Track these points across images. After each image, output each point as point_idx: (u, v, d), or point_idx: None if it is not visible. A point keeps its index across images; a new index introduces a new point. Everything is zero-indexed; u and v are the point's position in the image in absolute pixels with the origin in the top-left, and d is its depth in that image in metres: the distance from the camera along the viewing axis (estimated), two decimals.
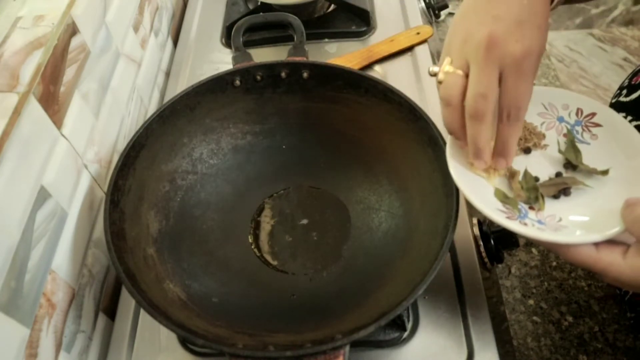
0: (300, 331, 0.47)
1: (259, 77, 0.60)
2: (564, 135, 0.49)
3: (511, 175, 0.47)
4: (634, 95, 0.56)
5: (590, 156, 0.47)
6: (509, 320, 0.57)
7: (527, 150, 0.49)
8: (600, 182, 0.45)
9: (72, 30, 0.52)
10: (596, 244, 0.39)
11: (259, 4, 0.85)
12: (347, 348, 0.41)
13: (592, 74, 2.01)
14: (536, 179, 0.47)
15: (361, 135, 0.60)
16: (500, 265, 0.60)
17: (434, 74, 0.44)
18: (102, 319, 0.55)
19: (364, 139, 0.60)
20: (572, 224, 0.43)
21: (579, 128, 0.49)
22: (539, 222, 0.43)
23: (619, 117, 0.48)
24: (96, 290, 0.55)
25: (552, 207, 0.44)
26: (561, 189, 0.45)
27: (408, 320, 0.52)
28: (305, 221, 0.60)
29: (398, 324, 0.52)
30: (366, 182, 0.61)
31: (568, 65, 2.06)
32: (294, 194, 0.63)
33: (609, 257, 0.39)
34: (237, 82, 0.60)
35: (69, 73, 0.51)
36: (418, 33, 0.79)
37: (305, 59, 0.63)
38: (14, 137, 0.41)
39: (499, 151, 0.43)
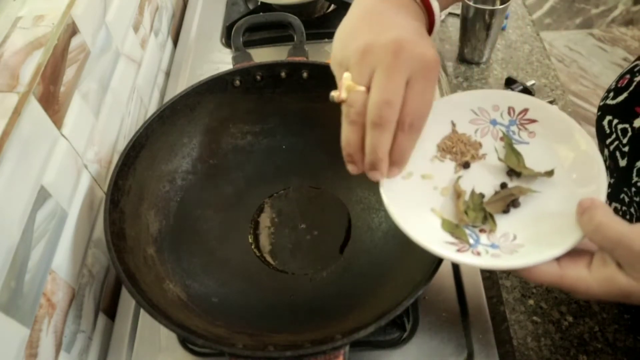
0: (300, 331, 0.47)
1: (259, 77, 0.60)
2: (501, 139, 0.46)
3: (457, 195, 0.43)
4: (620, 98, 0.55)
5: (531, 156, 0.44)
6: (509, 320, 0.57)
7: (466, 165, 0.46)
8: (548, 183, 0.43)
9: (72, 30, 0.52)
10: (559, 259, 0.37)
11: (259, 4, 0.85)
12: (347, 348, 0.41)
13: (592, 74, 2.01)
14: (481, 195, 0.44)
15: None
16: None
17: (336, 97, 0.40)
18: (102, 319, 0.55)
19: None
20: (528, 239, 0.40)
21: (514, 128, 0.46)
22: (493, 246, 0.40)
23: (552, 108, 0.45)
24: (96, 290, 0.55)
25: (504, 225, 0.41)
26: (509, 202, 0.42)
27: (408, 321, 0.52)
28: (305, 221, 0.60)
29: (398, 324, 0.52)
30: (366, 182, 0.60)
31: (568, 65, 2.06)
32: (294, 194, 0.63)
33: (573, 273, 0.36)
34: (237, 82, 0.60)
35: (69, 73, 0.51)
36: None
37: (305, 59, 0.63)
38: (14, 137, 0.41)
39: (395, 161, 0.40)
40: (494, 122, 0.47)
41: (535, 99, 0.47)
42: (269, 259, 0.58)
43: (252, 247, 0.59)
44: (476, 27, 0.87)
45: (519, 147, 0.45)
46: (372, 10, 0.41)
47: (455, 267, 0.56)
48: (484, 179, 0.45)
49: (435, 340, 0.51)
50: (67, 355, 0.48)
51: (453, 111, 0.48)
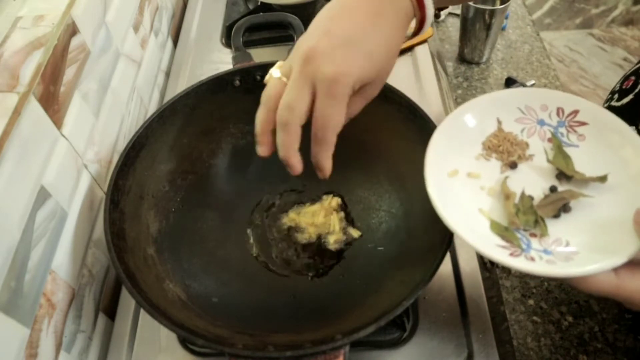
0: (300, 331, 0.47)
1: (259, 77, 0.60)
2: (549, 140, 0.45)
3: (506, 197, 0.42)
4: (625, 100, 0.55)
5: (581, 160, 0.43)
6: (509, 320, 0.57)
7: (513, 165, 0.44)
8: (600, 188, 0.41)
9: (72, 30, 0.52)
10: (615, 269, 0.36)
11: (259, 4, 0.85)
12: (347, 348, 0.41)
13: (592, 74, 2.01)
14: (531, 198, 0.42)
15: (361, 135, 0.60)
16: (500, 266, 0.60)
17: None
18: (102, 319, 0.55)
19: (364, 139, 0.60)
20: (582, 246, 0.38)
21: (563, 130, 0.45)
22: (545, 251, 0.38)
23: (604, 111, 0.44)
24: (96, 290, 0.55)
25: (555, 230, 0.40)
26: (560, 207, 0.40)
27: (408, 321, 0.52)
28: (305, 221, 0.60)
29: (398, 324, 0.52)
30: (366, 182, 0.61)
31: (568, 65, 2.06)
32: (293, 194, 0.63)
33: (632, 284, 0.35)
34: (237, 82, 0.60)
35: (69, 73, 0.51)
36: None
37: None
38: (14, 137, 0.41)
39: (314, 164, 0.43)
40: (541, 123, 0.46)
41: (586, 100, 0.45)
42: (269, 258, 0.57)
43: (252, 247, 0.59)
44: (476, 27, 0.87)
45: (567, 150, 0.44)
46: (339, 5, 0.41)
47: (455, 267, 0.56)
48: (532, 181, 0.43)
49: (435, 340, 0.51)
50: (67, 355, 0.48)
51: (499, 108, 0.46)
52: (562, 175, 0.43)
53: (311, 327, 0.47)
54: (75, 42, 0.53)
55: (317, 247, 0.58)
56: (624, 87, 0.57)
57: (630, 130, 0.42)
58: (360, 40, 0.39)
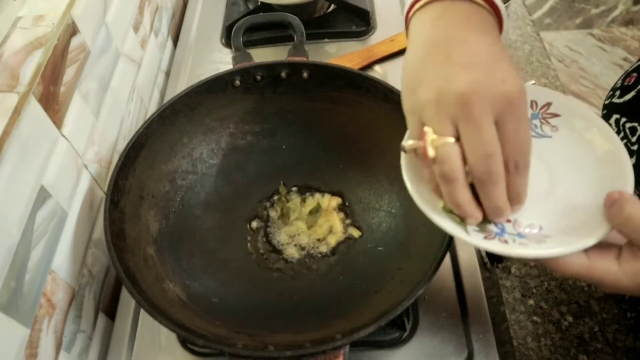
0: (300, 331, 0.47)
1: (259, 77, 0.60)
2: None
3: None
4: (627, 97, 0.55)
5: (553, 150, 0.44)
6: (509, 320, 0.57)
7: None
8: (573, 176, 0.42)
9: (72, 30, 0.52)
10: (586, 251, 0.37)
11: (259, 4, 0.85)
12: (347, 348, 0.41)
13: (592, 74, 2.01)
14: None
15: (361, 135, 0.60)
16: (500, 266, 0.60)
17: (413, 150, 0.38)
18: (102, 319, 0.55)
19: (364, 138, 0.60)
20: (554, 230, 0.39)
21: (537, 122, 0.46)
22: (519, 235, 0.39)
23: (575, 101, 0.45)
24: (96, 290, 0.55)
25: (529, 216, 0.40)
26: None
27: (408, 321, 0.52)
28: (305, 221, 0.60)
29: (398, 324, 0.52)
30: (366, 182, 0.61)
31: (568, 65, 2.06)
32: (293, 194, 0.63)
33: (602, 265, 0.36)
34: (237, 82, 0.60)
35: (69, 73, 0.51)
36: None
37: (305, 59, 0.63)
38: (14, 137, 0.41)
39: (514, 201, 0.38)
40: None
41: (559, 93, 0.46)
42: (269, 258, 0.57)
43: (252, 247, 0.59)
44: None
45: (541, 141, 0.45)
46: (435, 39, 0.37)
47: (455, 267, 0.56)
48: None
49: (435, 340, 0.51)
50: (67, 355, 0.48)
51: None
52: None
53: (311, 327, 0.47)
54: (75, 42, 0.53)
55: (317, 247, 0.58)
56: (626, 83, 0.57)
57: (596, 117, 0.43)
58: (497, 54, 0.35)
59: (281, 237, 0.59)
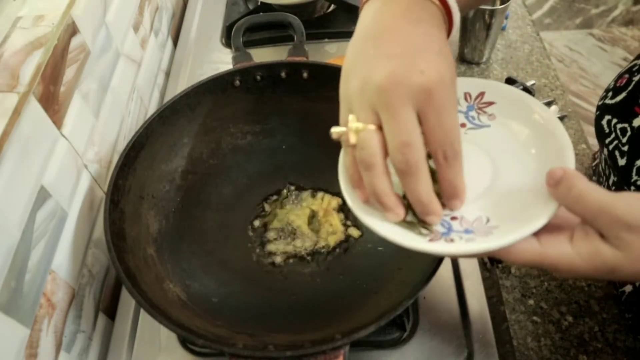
0: (300, 331, 0.47)
1: (259, 77, 0.60)
2: (462, 125, 0.44)
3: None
4: (618, 98, 0.55)
5: (494, 138, 0.43)
6: (509, 320, 0.57)
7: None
8: (516, 161, 0.41)
9: (72, 30, 0.52)
10: (538, 237, 0.35)
11: (259, 4, 0.85)
12: (347, 348, 0.41)
13: (592, 74, 2.01)
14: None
15: None
16: (500, 265, 0.60)
17: (339, 136, 0.38)
18: (102, 319, 0.55)
19: None
20: (501, 220, 0.37)
21: (473, 113, 0.45)
22: (466, 231, 0.37)
23: (506, 87, 0.45)
24: (96, 290, 0.55)
25: (475, 209, 0.39)
26: None
27: (408, 321, 0.52)
28: (304, 221, 0.60)
29: (398, 324, 0.52)
30: None
31: (568, 65, 2.06)
32: (293, 194, 0.63)
33: (555, 249, 0.34)
34: (237, 82, 0.60)
35: (69, 73, 0.51)
36: None
37: (305, 59, 0.63)
38: (14, 137, 0.41)
39: (450, 195, 0.38)
40: None
41: (489, 80, 0.46)
42: (268, 258, 0.57)
43: (252, 246, 0.59)
44: (476, 27, 0.87)
45: (481, 132, 0.44)
46: (370, 30, 0.38)
47: (455, 267, 0.56)
48: None
49: (435, 340, 0.51)
50: (67, 355, 0.48)
51: None
52: None
53: (311, 327, 0.47)
54: (75, 42, 0.53)
55: (317, 247, 0.58)
56: (617, 84, 0.57)
57: (530, 97, 0.43)
58: (425, 44, 0.35)
59: (281, 236, 0.59)
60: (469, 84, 0.46)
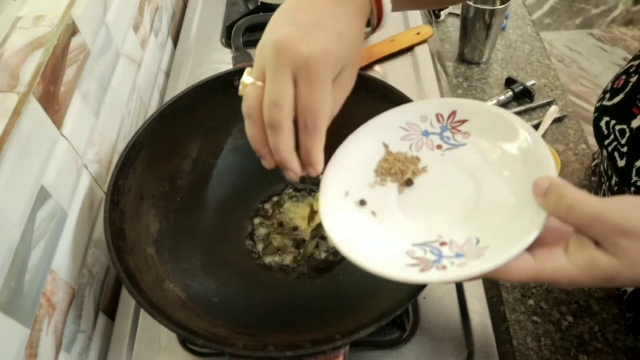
0: (300, 331, 0.47)
1: None
2: (438, 147, 0.45)
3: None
4: (616, 99, 0.55)
5: (471, 156, 0.43)
6: (509, 320, 0.57)
7: (409, 183, 0.44)
8: (497, 176, 0.41)
9: (72, 30, 0.52)
10: (532, 252, 0.34)
11: (259, 4, 0.85)
12: (347, 348, 0.41)
13: (592, 74, 2.01)
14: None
15: None
16: None
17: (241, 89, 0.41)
18: (102, 319, 0.55)
19: None
20: (491, 240, 0.37)
21: (447, 133, 0.45)
22: (457, 255, 0.37)
23: (478, 103, 0.45)
24: (96, 290, 0.55)
25: (464, 231, 0.39)
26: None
27: (408, 321, 0.52)
28: (304, 221, 0.60)
29: (398, 324, 0.52)
30: None
31: (568, 65, 2.06)
32: (293, 194, 0.63)
33: (551, 263, 0.33)
34: (237, 82, 0.60)
35: (69, 73, 0.51)
36: (418, 33, 0.79)
37: None
38: (14, 137, 0.41)
39: (305, 161, 0.40)
40: (426, 133, 0.46)
41: (460, 99, 0.46)
42: (269, 258, 0.57)
43: (252, 246, 0.59)
44: (476, 27, 0.87)
45: (458, 151, 0.44)
46: (289, 4, 0.40)
47: None
48: (431, 191, 0.44)
49: (435, 340, 0.51)
50: (67, 355, 0.48)
51: (382, 133, 0.47)
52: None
53: (311, 327, 0.47)
54: (75, 42, 0.53)
55: (317, 247, 0.58)
56: (615, 86, 0.57)
57: (501, 110, 0.43)
58: (328, 24, 0.38)
59: (281, 236, 0.59)
60: (440, 105, 0.46)
